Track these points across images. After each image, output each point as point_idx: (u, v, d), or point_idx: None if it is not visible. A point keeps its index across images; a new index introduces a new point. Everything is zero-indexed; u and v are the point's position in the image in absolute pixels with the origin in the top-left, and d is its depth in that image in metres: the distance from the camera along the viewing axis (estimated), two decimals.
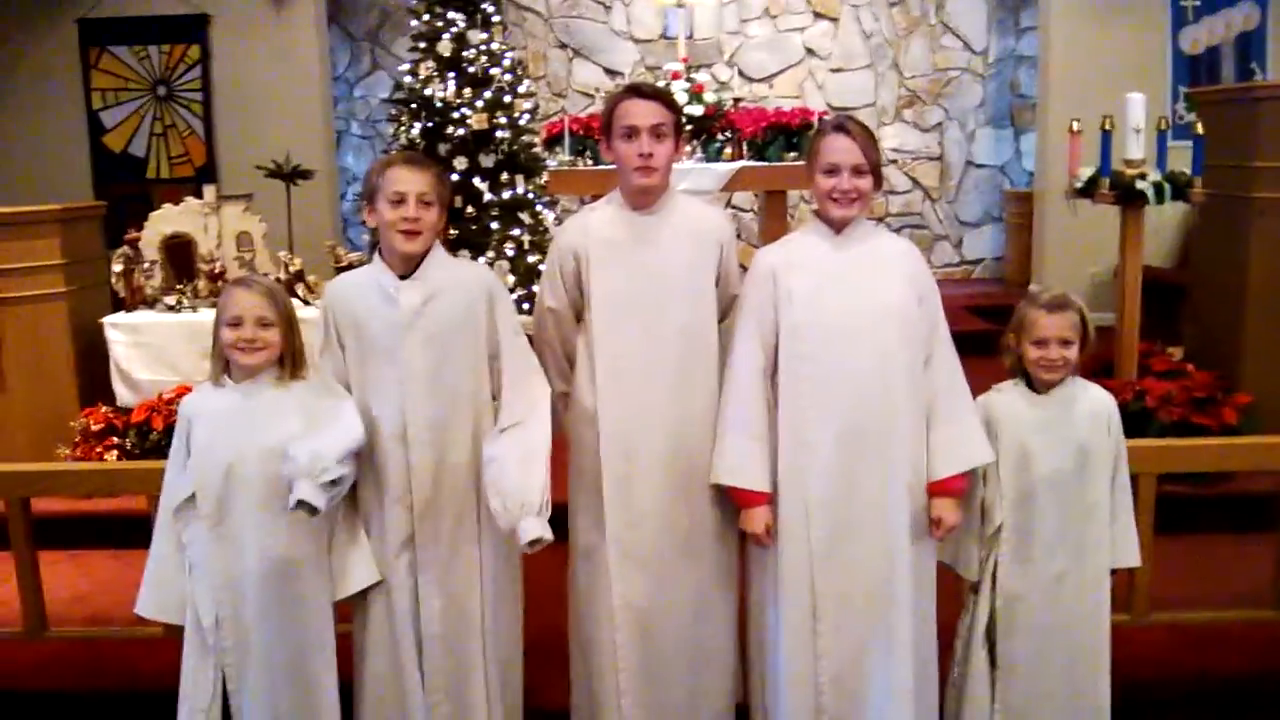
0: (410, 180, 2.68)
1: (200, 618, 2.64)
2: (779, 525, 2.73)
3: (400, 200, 2.66)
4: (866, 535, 2.68)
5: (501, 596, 2.84)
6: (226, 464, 2.62)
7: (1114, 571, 2.89)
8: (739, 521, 2.80)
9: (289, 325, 2.71)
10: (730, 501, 2.85)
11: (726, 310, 2.94)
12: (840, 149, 2.70)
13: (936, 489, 2.74)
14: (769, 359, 2.75)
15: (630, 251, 2.84)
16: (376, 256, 2.79)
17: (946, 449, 2.73)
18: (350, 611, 2.82)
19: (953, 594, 2.97)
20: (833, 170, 2.70)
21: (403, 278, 2.72)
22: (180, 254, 5.45)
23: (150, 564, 2.75)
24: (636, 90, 2.82)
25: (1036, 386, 2.83)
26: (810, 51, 9.22)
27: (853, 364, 2.67)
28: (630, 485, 2.83)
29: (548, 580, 3.05)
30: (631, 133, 2.76)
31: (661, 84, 7.29)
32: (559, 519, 2.98)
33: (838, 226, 2.76)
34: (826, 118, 2.89)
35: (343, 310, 2.76)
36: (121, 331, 5.10)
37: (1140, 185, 4.62)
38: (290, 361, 2.71)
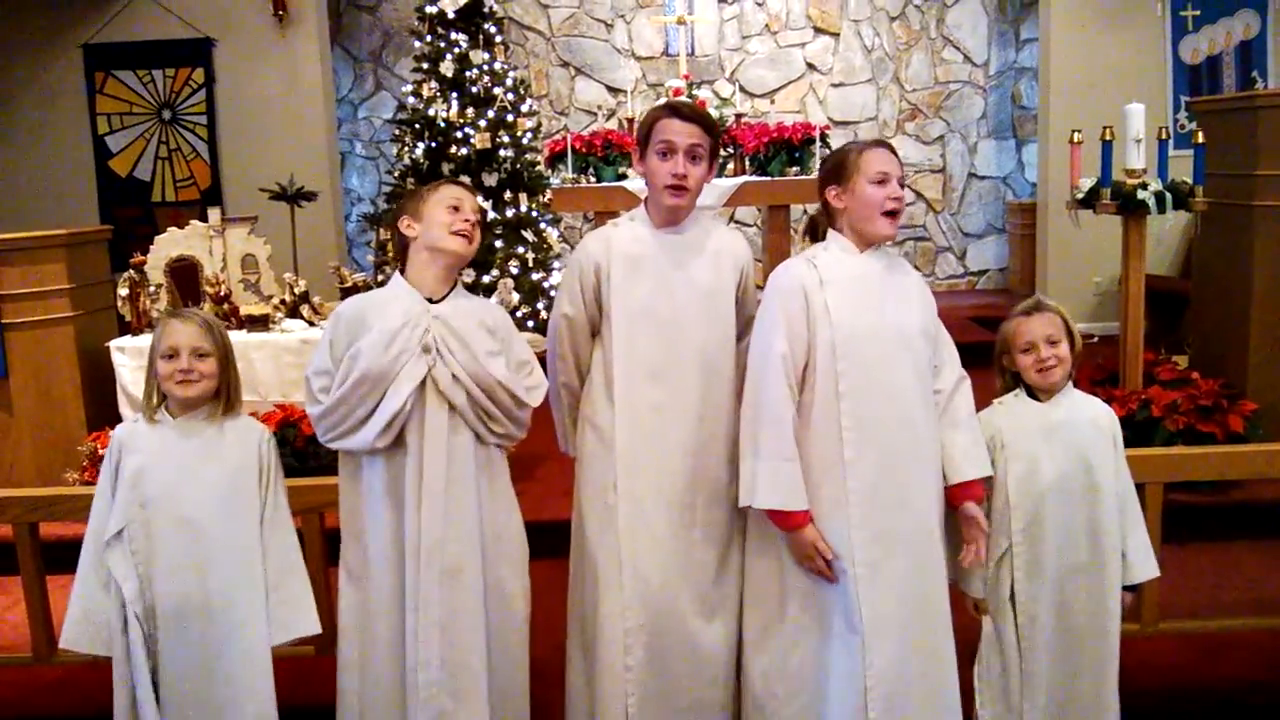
0: (464, 196, 2.70)
1: (133, 648, 2.59)
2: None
3: (456, 207, 2.66)
4: (908, 554, 2.63)
5: (505, 630, 2.77)
6: (156, 500, 2.59)
7: (1135, 587, 2.88)
8: (789, 549, 2.69)
9: (225, 358, 2.68)
10: (740, 522, 2.84)
11: (743, 330, 2.92)
12: (888, 159, 2.69)
13: (965, 492, 2.69)
14: (798, 378, 2.67)
15: (653, 269, 2.82)
16: (398, 278, 2.73)
17: (973, 448, 2.70)
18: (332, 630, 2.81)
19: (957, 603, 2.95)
20: (883, 179, 2.67)
21: (433, 301, 2.67)
22: (186, 277, 5.47)
23: (76, 596, 2.66)
24: (677, 110, 2.79)
25: (1038, 396, 2.83)
26: (811, 66, 9.26)
27: (887, 383, 2.63)
28: (644, 509, 2.80)
29: (546, 601, 3.03)
30: (668, 151, 2.75)
31: (662, 101, 7.33)
32: (559, 535, 2.98)
33: (864, 244, 2.73)
34: (847, 142, 2.84)
35: (358, 322, 2.66)
36: (128, 355, 5.12)
37: (1141, 195, 4.62)
38: (226, 396, 2.69)
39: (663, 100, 7.22)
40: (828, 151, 7.20)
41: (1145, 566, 2.86)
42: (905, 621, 2.61)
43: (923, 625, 2.64)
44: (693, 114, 2.80)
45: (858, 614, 2.60)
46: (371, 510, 2.69)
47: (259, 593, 2.64)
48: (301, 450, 4.62)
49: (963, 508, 2.70)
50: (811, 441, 2.66)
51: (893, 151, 2.74)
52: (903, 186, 2.72)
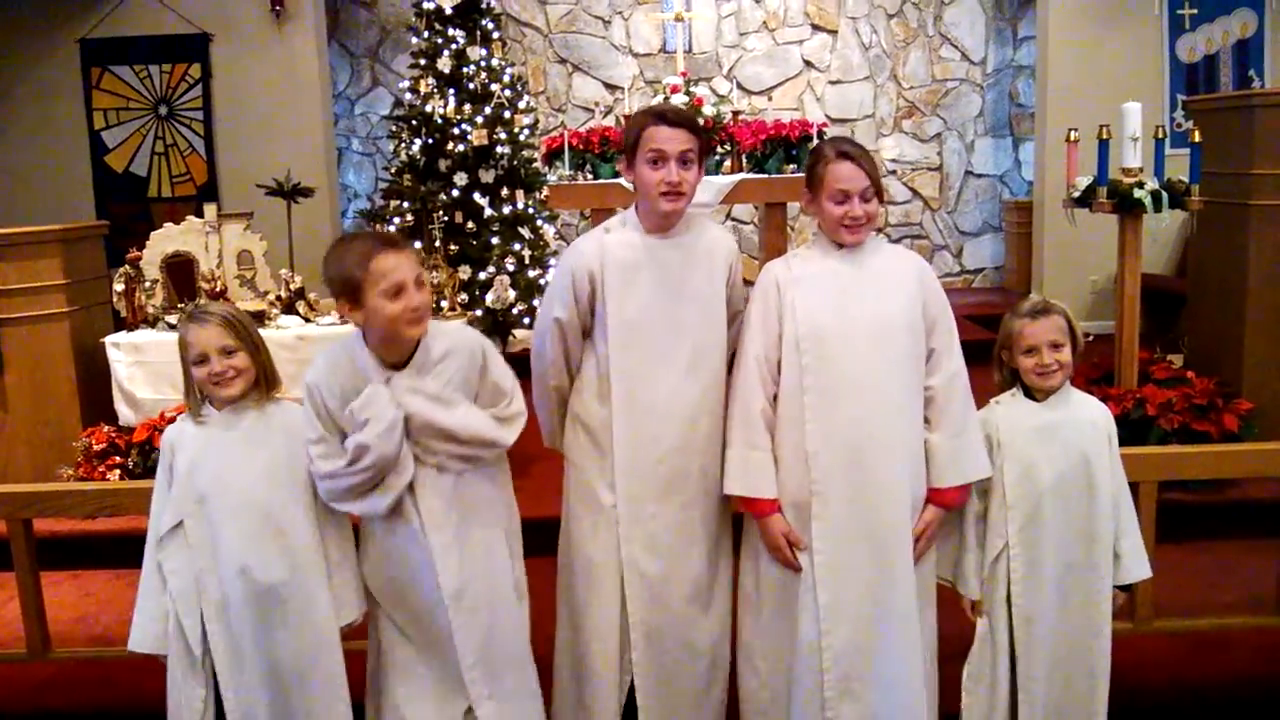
0: (399, 266, 2.49)
1: (189, 644, 2.61)
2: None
3: (399, 290, 2.48)
4: (871, 546, 2.68)
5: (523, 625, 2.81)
6: (208, 494, 2.60)
7: (1129, 587, 2.89)
8: (760, 538, 2.79)
9: (254, 345, 2.66)
10: (734, 517, 2.88)
11: (730, 323, 2.95)
12: (849, 176, 2.69)
13: (935, 497, 2.74)
14: (773, 371, 2.75)
15: (647, 276, 2.81)
16: (358, 344, 2.61)
17: (950, 458, 2.73)
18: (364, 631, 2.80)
19: (949, 604, 2.96)
20: (843, 198, 2.69)
21: (394, 367, 2.57)
22: (182, 273, 5.46)
23: (141, 598, 2.70)
24: (663, 116, 2.76)
25: (1035, 396, 2.83)
26: (809, 64, 9.26)
27: (854, 377, 2.67)
28: (643, 505, 2.82)
29: (540, 595, 3.03)
30: (659, 159, 2.73)
31: (659, 98, 7.34)
32: (554, 532, 2.99)
33: (841, 242, 2.77)
34: (826, 141, 2.85)
35: (332, 398, 2.61)
36: (123, 351, 5.12)
37: (1138, 194, 4.63)
38: (265, 381, 2.68)
39: (654, 101, 7.22)
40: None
41: (1138, 567, 2.86)
42: (864, 610, 2.68)
43: (884, 615, 2.69)
44: (679, 118, 2.77)
45: (814, 600, 2.69)
46: (377, 555, 2.71)
47: (321, 574, 2.65)
48: None
49: (925, 508, 2.75)
50: (781, 433, 2.75)
51: (858, 161, 2.70)
52: (871, 198, 2.71)
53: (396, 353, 2.58)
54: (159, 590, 2.66)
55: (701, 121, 7.08)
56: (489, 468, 2.73)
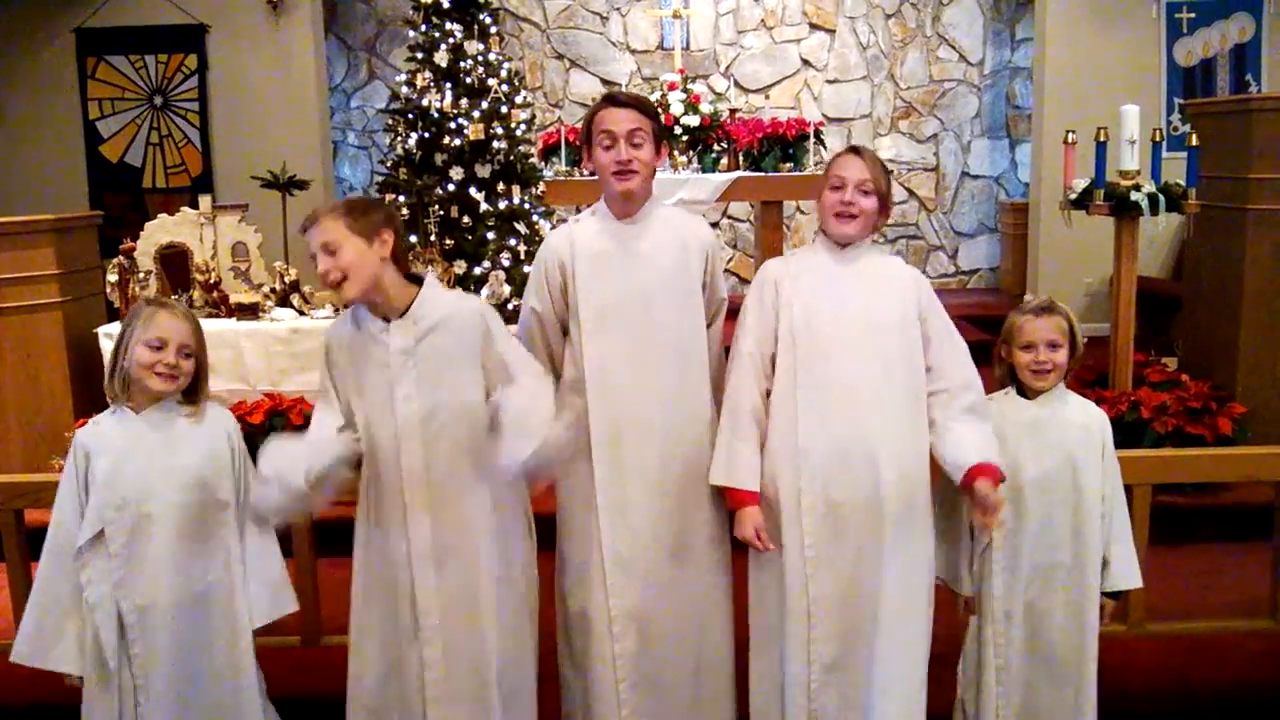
0: (315, 239, 2.57)
1: (105, 657, 2.56)
2: (771, 529, 2.77)
3: (324, 253, 2.57)
4: (855, 542, 2.70)
5: (512, 628, 2.78)
6: (133, 498, 2.55)
7: (1118, 594, 2.90)
8: (733, 527, 2.82)
9: (204, 357, 2.67)
10: (723, 506, 2.89)
11: (714, 315, 2.98)
12: (849, 165, 2.77)
13: (975, 472, 2.65)
14: (766, 366, 2.78)
15: (617, 263, 2.84)
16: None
17: (976, 440, 2.69)
18: (346, 623, 2.80)
19: (948, 603, 2.96)
20: (839, 185, 2.75)
21: (389, 319, 2.61)
22: (176, 264, 5.45)
23: (33, 609, 2.62)
24: (611, 99, 2.84)
25: (1027, 394, 2.85)
26: (806, 62, 9.25)
27: (846, 374, 2.70)
28: (624, 497, 2.84)
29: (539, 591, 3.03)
30: (610, 142, 2.78)
31: (657, 95, 7.33)
32: (545, 528, 2.99)
33: (841, 244, 2.80)
34: (843, 135, 2.90)
35: (340, 356, 2.67)
36: None
37: (1134, 196, 4.64)
38: (197, 389, 2.67)
39: (653, 98, 7.22)
40: (823, 148, 7.25)
41: (1128, 576, 2.87)
42: (850, 604, 2.72)
43: (871, 610, 2.71)
44: (628, 100, 2.84)
45: (805, 593, 2.72)
46: (365, 577, 2.73)
47: (240, 578, 2.65)
48: None
49: (975, 485, 2.65)
50: (773, 427, 2.77)
51: (864, 156, 2.79)
52: (869, 192, 2.76)
53: (374, 309, 2.63)
54: (61, 603, 2.60)
55: (700, 119, 7.11)
56: (492, 494, 2.71)
